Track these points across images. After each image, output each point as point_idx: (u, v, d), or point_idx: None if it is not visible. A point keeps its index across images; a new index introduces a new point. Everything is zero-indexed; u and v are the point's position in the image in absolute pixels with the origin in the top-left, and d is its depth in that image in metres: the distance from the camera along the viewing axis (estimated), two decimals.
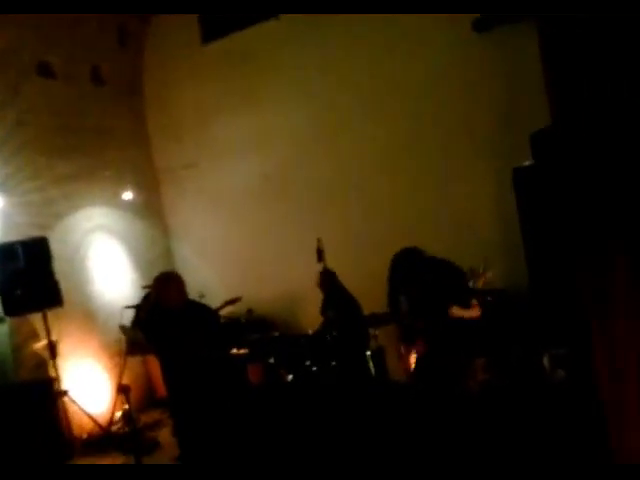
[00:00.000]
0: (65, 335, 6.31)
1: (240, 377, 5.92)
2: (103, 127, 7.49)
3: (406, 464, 4.25)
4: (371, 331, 5.77)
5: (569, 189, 2.57)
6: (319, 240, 5.81)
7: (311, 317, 6.41)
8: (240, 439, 4.77)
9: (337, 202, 6.99)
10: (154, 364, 6.10)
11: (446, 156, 6.30)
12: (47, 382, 6.00)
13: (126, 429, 6.06)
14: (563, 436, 4.03)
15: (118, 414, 6.39)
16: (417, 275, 4.34)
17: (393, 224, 6.42)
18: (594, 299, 2.33)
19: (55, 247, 6.18)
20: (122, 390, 4.87)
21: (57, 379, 6.03)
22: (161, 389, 6.31)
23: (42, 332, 6.03)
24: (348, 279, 6.01)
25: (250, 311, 7.17)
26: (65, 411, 6.07)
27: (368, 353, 5.67)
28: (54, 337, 6.03)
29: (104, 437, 6.10)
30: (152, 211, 8.12)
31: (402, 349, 4.56)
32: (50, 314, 5.98)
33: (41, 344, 6.13)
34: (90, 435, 6.21)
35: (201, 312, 4.78)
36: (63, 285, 6.07)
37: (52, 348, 6.00)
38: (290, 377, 5.73)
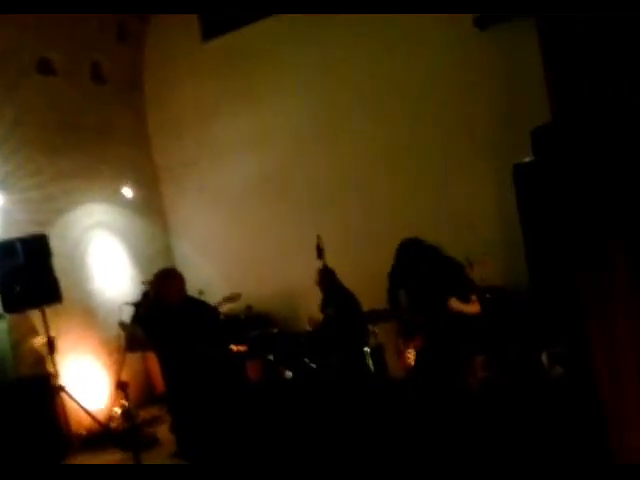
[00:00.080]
0: (64, 331, 6.31)
1: (239, 374, 5.93)
2: (103, 124, 7.49)
3: (405, 460, 4.25)
4: (370, 328, 5.78)
5: (569, 186, 2.57)
6: (319, 237, 5.81)
7: (310, 314, 6.41)
8: (239, 436, 4.77)
9: (337, 200, 6.99)
10: (153, 361, 6.11)
11: (446, 154, 6.30)
12: (46, 378, 6.01)
13: (125, 425, 6.07)
14: (562, 433, 4.04)
15: (117, 410, 6.39)
16: (418, 265, 4.33)
17: (393, 222, 6.41)
18: (594, 299, 2.33)
19: (55, 244, 6.18)
20: (121, 386, 4.86)
21: (56, 375, 6.04)
22: (160, 386, 6.31)
23: (41, 328, 6.04)
24: (348, 276, 6.01)
25: (249, 308, 7.18)
26: (64, 407, 6.07)
27: (367, 350, 5.67)
28: (53, 333, 6.03)
29: (103, 433, 6.10)
30: (152, 208, 8.12)
31: (401, 344, 4.56)
32: (49, 311, 5.98)
33: (40, 340, 6.13)
34: (89, 431, 6.22)
35: (200, 309, 4.77)
36: (62, 282, 6.08)
37: (51, 344, 6.00)
38: (289, 374, 5.74)
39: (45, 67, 6.91)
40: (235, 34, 7.40)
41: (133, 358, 6.76)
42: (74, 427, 6.17)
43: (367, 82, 6.68)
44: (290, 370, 5.77)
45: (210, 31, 7.66)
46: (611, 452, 2.32)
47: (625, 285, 2.23)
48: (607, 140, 2.42)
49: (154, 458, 5.27)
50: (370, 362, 5.64)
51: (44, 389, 5.89)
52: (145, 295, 6.33)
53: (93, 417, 6.15)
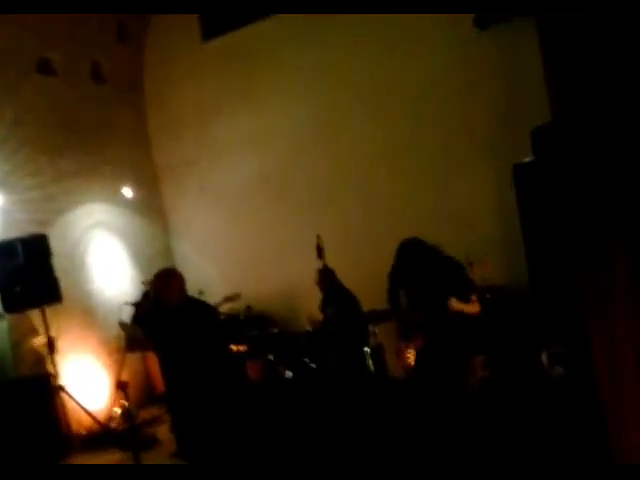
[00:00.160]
0: (64, 331, 6.32)
1: (239, 374, 5.92)
2: (103, 124, 7.49)
3: (405, 460, 4.25)
4: (370, 328, 5.77)
5: (569, 186, 2.56)
6: (318, 237, 5.81)
7: (310, 313, 6.41)
8: (239, 435, 4.77)
9: (337, 200, 6.99)
10: (153, 361, 6.11)
11: (446, 154, 6.30)
12: (46, 378, 6.01)
13: (125, 425, 6.07)
14: (562, 433, 4.04)
15: (117, 410, 6.40)
16: (418, 265, 4.32)
17: (392, 222, 6.41)
18: (594, 299, 2.33)
19: (55, 244, 6.18)
20: (121, 386, 4.86)
21: (56, 375, 6.04)
22: (160, 386, 6.31)
23: (41, 328, 6.04)
24: (347, 276, 6.01)
25: (249, 308, 7.18)
26: (64, 407, 6.07)
27: (367, 350, 5.67)
28: (53, 333, 6.03)
29: (103, 433, 6.10)
30: (152, 208, 8.12)
31: (401, 345, 4.55)
32: (49, 310, 5.98)
33: (40, 340, 6.13)
34: (89, 431, 6.22)
35: (200, 309, 4.77)
36: (62, 282, 6.08)
37: (51, 344, 6.00)
38: (289, 374, 5.74)
39: (45, 67, 6.91)
40: (235, 34, 7.40)
41: (133, 358, 6.76)
42: (74, 427, 6.17)
43: (367, 82, 6.68)
44: (290, 370, 5.77)
45: (210, 31, 7.66)
46: (611, 452, 2.32)
47: (625, 285, 2.23)
48: (607, 140, 2.42)
49: (154, 458, 5.27)
50: (370, 362, 5.64)
51: (44, 389, 5.89)
52: (145, 295, 6.33)
53: (93, 417, 6.15)
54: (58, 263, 6.12)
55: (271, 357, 6.03)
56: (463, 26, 5.89)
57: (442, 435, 4.14)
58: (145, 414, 6.64)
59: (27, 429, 5.48)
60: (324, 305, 6.09)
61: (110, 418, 6.38)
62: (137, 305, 5.60)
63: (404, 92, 6.46)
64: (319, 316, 5.98)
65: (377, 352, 5.77)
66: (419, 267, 4.31)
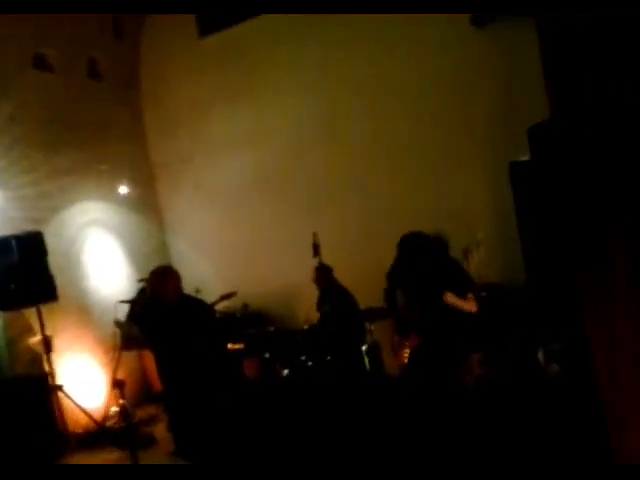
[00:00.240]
0: (60, 330, 6.29)
1: (235, 372, 5.92)
2: (99, 121, 7.46)
3: (402, 458, 4.25)
4: (367, 326, 5.77)
5: (567, 184, 2.56)
6: (315, 235, 5.80)
7: (306, 312, 6.41)
8: (236, 434, 4.76)
9: (334, 198, 6.98)
10: (150, 359, 6.08)
11: (444, 153, 6.31)
12: (42, 377, 5.98)
13: (121, 424, 6.05)
14: (558, 430, 4.05)
15: (113, 409, 6.38)
16: (420, 259, 4.31)
17: (389, 219, 6.41)
18: (594, 298, 2.33)
19: (50, 241, 6.14)
20: (117, 385, 4.84)
21: (52, 374, 6.02)
22: (157, 384, 6.29)
23: (37, 327, 6.01)
24: (345, 274, 6.01)
25: (246, 306, 7.17)
26: (60, 406, 6.05)
27: (364, 348, 5.67)
28: (49, 332, 6.00)
29: (99, 432, 6.09)
30: (148, 206, 8.09)
31: (396, 342, 4.55)
32: (45, 309, 5.95)
33: (36, 339, 6.11)
34: (85, 430, 6.20)
35: (196, 307, 4.76)
36: (58, 280, 6.04)
37: (47, 343, 5.98)
38: (286, 372, 5.74)
39: (41, 63, 6.87)
40: (232, 30, 7.37)
41: (129, 356, 6.75)
42: (71, 426, 6.15)
43: (366, 80, 6.67)
44: (287, 368, 5.76)
45: (207, 28, 7.63)
46: (611, 451, 2.32)
47: (625, 284, 2.23)
48: (605, 138, 2.41)
49: (151, 457, 5.26)
50: (366, 360, 5.64)
51: (40, 388, 5.87)
52: (141, 293, 6.30)
53: (90, 416, 6.14)
54: (53, 261, 6.09)
55: (268, 355, 6.03)
56: (461, 25, 5.88)
57: (438, 433, 4.15)
58: (142, 413, 6.63)
59: (23, 428, 5.46)
60: (320, 303, 6.09)
61: (107, 417, 6.36)
62: (133, 303, 5.57)
63: (403, 90, 6.45)
64: (316, 317, 5.98)
65: (373, 350, 5.77)
66: (421, 260, 4.30)
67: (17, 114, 6.39)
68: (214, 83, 7.57)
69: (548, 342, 5.01)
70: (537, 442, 4.00)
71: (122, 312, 5.73)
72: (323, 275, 5.94)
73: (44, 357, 6.02)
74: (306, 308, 6.45)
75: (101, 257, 7.31)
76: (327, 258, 5.90)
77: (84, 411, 6.11)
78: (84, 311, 6.88)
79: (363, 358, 5.65)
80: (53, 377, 6.02)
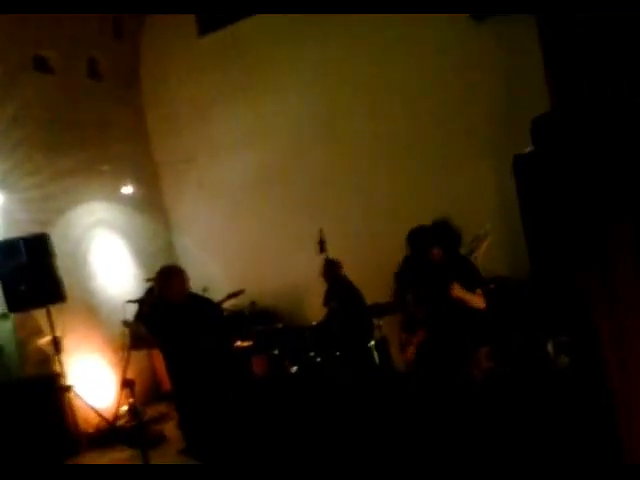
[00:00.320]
0: (69, 330, 6.32)
1: (244, 369, 5.94)
2: (101, 121, 7.47)
3: (410, 453, 4.26)
4: (375, 321, 5.77)
5: (570, 175, 2.55)
6: (321, 231, 5.81)
7: (314, 308, 6.42)
8: (245, 431, 4.78)
9: (336, 195, 6.98)
10: (159, 358, 6.11)
11: (445, 149, 6.29)
12: (52, 377, 6.03)
13: (132, 423, 6.09)
14: (568, 422, 4.04)
15: (124, 408, 6.42)
16: (430, 246, 4.29)
17: (392, 216, 6.41)
18: (601, 288, 2.32)
19: (56, 243, 6.18)
20: (127, 384, 4.88)
21: (62, 374, 6.06)
22: (166, 382, 6.32)
23: (46, 328, 6.05)
24: (349, 271, 6.02)
25: (253, 303, 7.19)
26: (71, 406, 6.09)
27: (372, 343, 5.67)
28: (58, 332, 6.04)
29: (110, 431, 6.13)
30: (153, 205, 8.11)
31: (403, 339, 4.55)
32: (54, 310, 5.99)
33: (45, 340, 6.15)
34: (96, 429, 6.24)
35: (204, 305, 4.77)
36: (66, 280, 6.08)
37: (56, 344, 6.01)
38: (295, 368, 5.75)
39: (42, 64, 6.88)
40: (231, 28, 7.36)
41: (139, 356, 6.79)
42: (82, 426, 6.19)
43: (366, 78, 6.66)
44: (295, 364, 5.78)
45: (206, 26, 7.62)
46: (620, 442, 2.32)
47: (631, 274, 2.22)
48: (608, 130, 2.40)
49: (162, 455, 5.29)
50: (375, 355, 5.64)
51: (51, 388, 5.91)
52: (148, 292, 6.33)
53: (100, 415, 6.18)
54: (60, 262, 6.12)
55: (276, 352, 6.04)
56: (460, 22, 5.86)
57: (447, 427, 4.15)
58: (152, 411, 6.67)
59: (35, 429, 5.50)
60: (328, 298, 6.10)
61: (117, 416, 6.40)
62: (141, 302, 5.60)
63: (403, 88, 6.44)
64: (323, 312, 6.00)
65: (382, 345, 5.77)
66: (431, 249, 4.28)
67: (19, 116, 6.41)
68: (214, 82, 7.57)
69: (557, 334, 4.99)
70: (547, 434, 4.00)
71: (130, 312, 5.77)
72: (331, 269, 5.95)
73: (54, 358, 6.06)
74: (313, 304, 6.46)
75: (107, 257, 7.34)
76: (331, 255, 5.91)
77: (95, 411, 6.16)
78: (92, 311, 6.91)
79: (372, 353, 5.66)
80: (63, 377, 6.05)
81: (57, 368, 6.06)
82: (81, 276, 6.90)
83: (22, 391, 5.71)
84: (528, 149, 4.95)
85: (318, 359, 5.72)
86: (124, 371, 6.21)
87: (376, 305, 5.73)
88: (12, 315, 6.00)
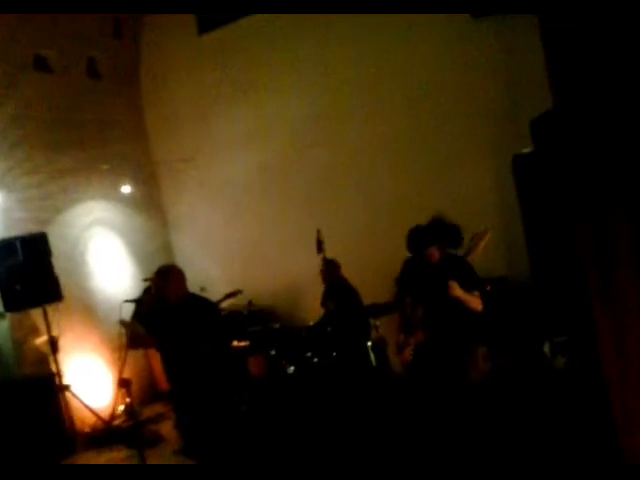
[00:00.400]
0: (66, 330, 6.30)
1: (241, 370, 5.92)
2: (100, 120, 7.47)
3: (408, 455, 4.25)
4: (372, 322, 5.76)
5: (570, 175, 2.55)
6: (319, 231, 5.79)
7: (312, 308, 6.41)
8: (242, 431, 4.77)
9: (337, 193, 6.96)
10: (156, 358, 6.10)
11: (445, 147, 6.27)
12: (49, 377, 6.01)
13: (128, 423, 6.07)
14: (566, 422, 4.03)
15: (120, 408, 6.40)
16: (428, 246, 4.28)
17: (393, 215, 6.40)
18: (601, 288, 2.32)
19: (54, 242, 6.17)
20: (123, 384, 4.86)
21: (58, 374, 6.04)
22: (163, 382, 6.31)
23: (43, 327, 6.04)
24: (348, 271, 6.02)
25: (251, 303, 7.16)
26: (67, 406, 6.08)
27: (369, 344, 5.66)
28: (55, 332, 6.03)
29: (107, 431, 6.11)
30: (151, 204, 8.10)
31: (401, 341, 4.54)
32: (50, 309, 5.98)
33: (42, 339, 6.14)
34: (93, 429, 6.23)
35: (201, 305, 4.76)
36: (63, 280, 6.07)
37: (53, 343, 6.00)
38: (292, 369, 5.73)
39: (41, 64, 6.88)
40: (231, 26, 7.34)
41: (136, 355, 6.75)
42: (78, 425, 6.19)
43: (367, 76, 6.64)
44: (293, 365, 5.76)
45: (206, 24, 7.60)
46: (618, 442, 2.31)
47: (633, 277, 2.21)
48: (609, 129, 2.40)
49: (158, 455, 5.28)
50: (372, 356, 5.63)
51: (48, 388, 5.90)
52: (146, 292, 6.32)
53: (97, 415, 6.16)
54: (58, 262, 6.11)
55: (274, 352, 6.02)
56: (460, 20, 5.85)
57: (444, 428, 4.14)
58: (149, 411, 6.66)
59: (31, 429, 5.49)
60: (325, 298, 6.09)
61: (114, 416, 6.38)
62: (138, 302, 5.58)
63: (404, 86, 6.42)
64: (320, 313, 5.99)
65: (379, 346, 5.75)
66: (428, 250, 4.27)
67: (18, 115, 6.41)
68: (214, 80, 7.55)
69: (554, 335, 4.99)
70: (544, 435, 3.99)
71: (127, 312, 5.75)
72: (330, 270, 5.94)
73: (51, 357, 6.05)
74: (311, 304, 6.45)
75: (105, 257, 7.32)
76: (331, 255, 5.89)
77: (91, 410, 6.14)
78: (89, 311, 6.90)
79: (368, 354, 5.65)
80: (60, 377, 6.04)
81: (54, 368, 6.06)
82: (78, 275, 6.89)
83: (19, 391, 5.70)
84: (528, 149, 4.94)
85: (315, 359, 5.70)
86: (121, 371, 6.16)
87: (374, 305, 5.72)
88: (8, 315, 5.99)
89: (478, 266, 4.33)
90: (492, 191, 6.07)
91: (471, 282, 4.18)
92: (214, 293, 6.06)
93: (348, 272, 6.01)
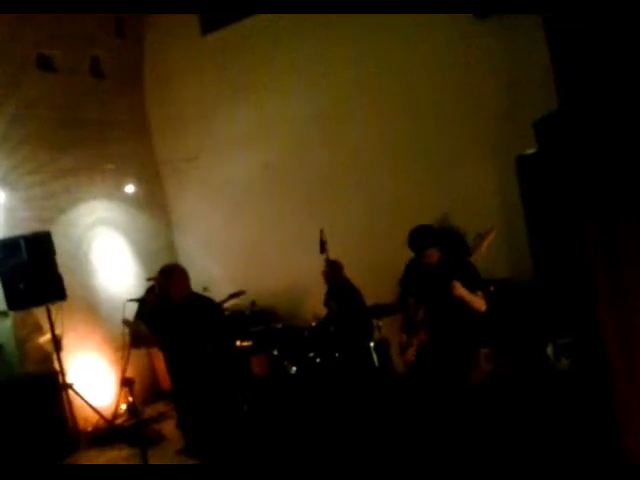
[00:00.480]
0: (69, 329, 6.32)
1: (243, 369, 5.92)
2: (104, 120, 7.47)
3: (409, 455, 4.25)
4: (375, 322, 5.76)
5: (575, 176, 2.55)
6: (322, 231, 5.79)
7: (314, 308, 6.41)
8: (244, 431, 4.77)
9: (338, 193, 6.96)
10: (159, 357, 6.11)
11: (448, 147, 6.26)
12: (52, 376, 6.02)
13: (131, 422, 6.08)
14: (569, 424, 4.03)
15: (123, 407, 6.41)
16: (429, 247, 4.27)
17: (394, 215, 6.38)
18: (606, 289, 2.31)
19: (58, 241, 6.18)
20: (126, 383, 4.87)
21: (61, 373, 6.05)
22: (165, 382, 6.32)
23: (46, 326, 6.06)
24: (350, 271, 6.01)
25: (254, 303, 7.17)
26: (70, 404, 6.09)
27: (372, 344, 5.66)
28: (58, 331, 6.05)
29: (109, 430, 6.12)
30: (154, 204, 8.10)
31: (404, 341, 4.54)
32: (54, 308, 6.00)
33: (46, 338, 6.15)
34: (95, 428, 6.24)
35: (205, 305, 4.76)
36: (66, 279, 6.09)
37: (56, 342, 6.02)
38: (294, 369, 5.73)
39: (45, 63, 6.89)
40: (235, 27, 7.34)
41: (139, 354, 6.77)
42: (81, 424, 6.19)
43: (369, 76, 6.63)
44: (295, 365, 5.76)
45: (209, 24, 7.61)
46: (622, 444, 2.30)
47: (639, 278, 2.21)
48: (613, 130, 2.40)
49: (160, 454, 5.28)
50: (375, 356, 5.63)
51: (51, 386, 5.91)
52: (149, 291, 6.32)
53: (99, 414, 6.17)
54: (61, 260, 6.13)
55: (276, 352, 6.02)
56: (464, 19, 5.83)
57: (446, 429, 4.13)
58: (151, 410, 6.67)
59: (34, 427, 5.50)
60: (328, 299, 6.09)
61: (116, 415, 6.39)
62: (142, 302, 5.59)
63: (406, 81, 6.41)
64: (322, 314, 5.98)
65: (381, 346, 5.75)
66: (426, 251, 4.27)
67: (22, 114, 6.42)
68: (218, 80, 7.56)
69: (557, 336, 4.98)
70: (547, 436, 3.99)
71: (130, 311, 5.76)
72: (333, 270, 5.94)
73: (54, 356, 6.06)
74: (314, 305, 6.45)
75: (109, 256, 7.33)
76: (333, 255, 5.89)
77: (94, 409, 6.16)
78: (93, 310, 6.91)
79: (371, 354, 5.64)
80: (63, 376, 6.05)
81: (57, 366, 6.07)
82: (82, 274, 6.90)
83: (22, 389, 5.71)
84: (531, 149, 4.94)
85: (318, 360, 5.70)
86: (124, 370, 6.19)
87: (376, 306, 5.72)
88: (12, 313, 6.00)
89: (481, 267, 4.33)
90: (494, 192, 6.06)
91: (474, 282, 4.17)
92: (217, 293, 6.07)
93: (350, 272, 6.01)
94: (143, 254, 7.69)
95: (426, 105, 6.33)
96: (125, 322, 6.22)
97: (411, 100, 6.41)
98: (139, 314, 5.28)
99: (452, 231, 4.36)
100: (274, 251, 7.37)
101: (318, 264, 5.94)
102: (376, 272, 6.16)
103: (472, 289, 4.12)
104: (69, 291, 6.09)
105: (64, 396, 6.02)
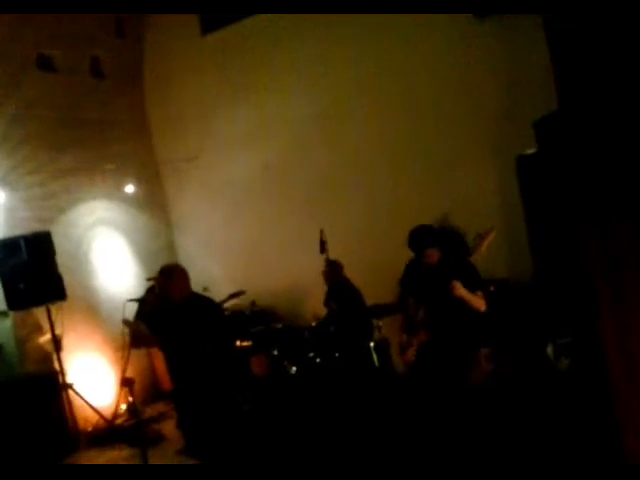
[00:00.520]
0: (69, 329, 6.32)
1: (243, 370, 5.92)
2: (104, 120, 7.48)
3: (409, 455, 4.25)
4: (375, 322, 5.76)
5: (575, 176, 2.55)
6: (322, 231, 5.79)
7: (314, 308, 6.41)
8: (244, 431, 4.77)
9: (338, 193, 6.96)
10: (159, 357, 6.12)
11: (448, 147, 6.26)
12: (52, 376, 6.03)
13: (131, 422, 6.08)
14: (569, 424, 4.03)
15: (123, 407, 6.41)
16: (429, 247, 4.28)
17: (394, 215, 6.39)
18: (605, 287, 2.31)
19: (58, 241, 6.19)
20: (126, 383, 4.87)
21: (62, 373, 6.05)
22: (166, 382, 6.32)
23: (46, 326, 6.06)
24: (350, 271, 6.01)
25: (254, 303, 7.17)
26: (70, 404, 6.09)
27: (372, 344, 5.66)
28: (58, 331, 6.05)
29: (109, 430, 6.12)
30: (154, 204, 8.11)
31: (404, 341, 4.54)
32: (54, 308, 6.00)
33: (46, 338, 6.15)
34: (95, 428, 6.24)
35: (205, 305, 4.76)
36: (66, 279, 6.09)
37: (56, 342, 6.02)
38: (294, 369, 5.74)
39: (44, 63, 6.89)
40: (235, 27, 7.34)
41: (139, 354, 6.77)
42: (81, 424, 6.20)
43: (369, 76, 6.63)
44: (295, 365, 5.76)
45: (209, 24, 7.61)
46: (621, 443, 2.31)
47: (637, 279, 2.21)
48: (613, 130, 2.40)
49: (160, 454, 5.28)
50: (375, 356, 5.63)
51: (51, 386, 5.91)
52: (149, 291, 6.32)
53: (99, 414, 6.17)
54: (61, 260, 6.13)
55: (276, 352, 6.03)
56: (463, 19, 5.83)
57: (446, 429, 4.14)
58: (151, 410, 6.67)
59: (34, 427, 5.50)
60: (328, 299, 6.09)
61: (116, 415, 6.39)
62: (142, 302, 5.59)
63: (406, 81, 6.41)
64: (322, 314, 5.98)
65: (381, 346, 5.75)
66: (426, 251, 4.28)
67: (22, 114, 6.42)
68: (218, 80, 7.56)
69: (557, 336, 4.98)
70: (547, 436, 3.99)
71: (130, 311, 5.76)
72: (333, 271, 5.94)
73: (54, 356, 6.06)
74: (314, 305, 6.45)
75: (109, 256, 7.33)
76: (333, 255, 5.89)
77: (94, 409, 6.16)
78: (93, 310, 6.91)
79: (371, 354, 5.64)
80: (63, 375, 6.05)
81: (57, 366, 6.07)
82: (82, 274, 6.90)
83: (22, 389, 5.71)
84: (531, 149, 4.94)
85: (317, 360, 5.70)
86: (124, 370, 6.19)
87: (376, 306, 5.72)
88: (12, 313, 6.00)
89: (481, 267, 4.33)
90: (494, 192, 6.06)
91: (474, 282, 4.18)
92: (217, 293, 6.06)
93: (350, 272, 6.01)
94: (143, 254, 7.70)
95: (426, 105, 6.33)
96: (125, 322, 6.22)
97: (411, 100, 6.41)
98: (139, 314, 5.28)
99: (452, 231, 4.36)
100: (274, 251, 7.38)
101: (318, 264, 5.94)
102: (376, 272, 6.16)
103: (472, 289, 4.13)
104: (69, 291, 6.10)
105: (64, 396, 6.02)
